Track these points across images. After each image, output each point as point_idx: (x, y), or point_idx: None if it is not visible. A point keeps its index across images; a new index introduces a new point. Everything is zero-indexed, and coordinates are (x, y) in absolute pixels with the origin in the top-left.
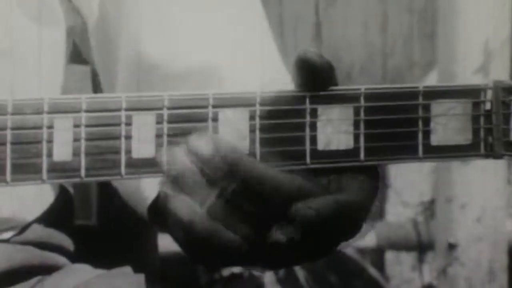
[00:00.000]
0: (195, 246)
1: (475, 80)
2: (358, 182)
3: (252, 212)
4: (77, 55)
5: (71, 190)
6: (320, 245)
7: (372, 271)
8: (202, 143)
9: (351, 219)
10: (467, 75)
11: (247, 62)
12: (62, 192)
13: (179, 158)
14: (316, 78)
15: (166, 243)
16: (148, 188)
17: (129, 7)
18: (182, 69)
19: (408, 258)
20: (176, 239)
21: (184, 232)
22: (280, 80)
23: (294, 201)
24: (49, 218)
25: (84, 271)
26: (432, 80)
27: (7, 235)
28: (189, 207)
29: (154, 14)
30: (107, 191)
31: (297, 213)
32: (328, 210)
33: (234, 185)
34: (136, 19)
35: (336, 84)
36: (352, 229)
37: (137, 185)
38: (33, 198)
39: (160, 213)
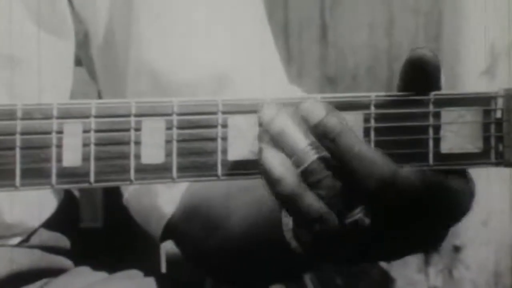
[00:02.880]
0: (279, 202)
1: (481, 82)
2: (463, 181)
3: (342, 188)
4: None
5: (76, 193)
6: (405, 235)
7: (377, 273)
8: (316, 108)
9: (450, 208)
10: (473, 77)
11: (254, 70)
12: (67, 196)
13: (283, 117)
14: (428, 78)
15: (171, 247)
16: (166, 205)
17: (138, 29)
18: (192, 81)
19: (413, 260)
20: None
21: (271, 185)
22: (281, 88)
23: (387, 188)
24: (55, 221)
25: (90, 274)
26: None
27: (14, 241)
28: (283, 163)
29: (161, 32)
30: (113, 194)
31: (401, 178)
32: (432, 185)
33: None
34: (145, 41)
35: (439, 88)
36: (447, 221)
37: (153, 201)
38: (39, 204)
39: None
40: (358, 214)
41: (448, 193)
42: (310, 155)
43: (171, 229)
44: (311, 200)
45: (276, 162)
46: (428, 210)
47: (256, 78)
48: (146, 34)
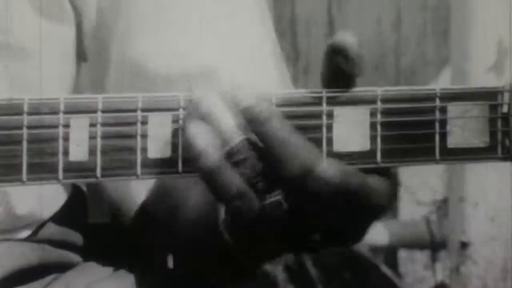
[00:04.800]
0: (201, 176)
1: (489, 78)
2: (384, 182)
3: (264, 171)
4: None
5: (84, 188)
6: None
7: (385, 268)
8: (247, 95)
9: (365, 205)
10: (480, 73)
11: (243, 63)
12: (75, 190)
13: (212, 97)
14: (349, 67)
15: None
16: (138, 194)
17: (127, 11)
18: (177, 73)
19: (421, 257)
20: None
21: (193, 159)
22: (270, 82)
23: (306, 174)
24: (63, 216)
25: (99, 270)
26: (445, 78)
27: (23, 234)
28: (206, 137)
29: (150, 18)
30: None
31: (322, 168)
32: (350, 179)
33: (254, 136)
34: (132, 21)
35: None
36: (361, 217)
37: (126, 186)
38: (49, 196)
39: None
40: (276, 196)
41: (364, 190)
42: (236, 136)
43: (142, 215)
44: (232, 177)
45: (200, 136)
46: (343, 203)
47: (245, 75)
48: (132, 26)
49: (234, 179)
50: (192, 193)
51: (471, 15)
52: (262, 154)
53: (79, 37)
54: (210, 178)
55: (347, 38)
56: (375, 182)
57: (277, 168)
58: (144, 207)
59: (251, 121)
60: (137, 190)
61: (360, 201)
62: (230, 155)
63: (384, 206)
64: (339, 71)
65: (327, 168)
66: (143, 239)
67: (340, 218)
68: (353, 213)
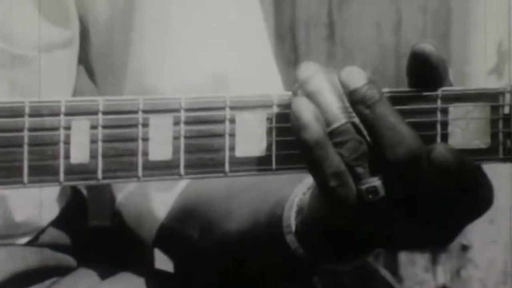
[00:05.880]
0: (301, 149)
1: (489, 81)
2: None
3: (365, 154)
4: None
5: (84, 191)
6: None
7: (384, 272)
8: (357, 74)
9: (482, 195)
10: (481, 75)
11: (251, 74)
12: (75, 194)
13: (319, 77)
14: (431, 73)
15: None
16: (160, 209)
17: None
18: (187, 83)
19: (421, 259)
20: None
21: (297, 131)
22: (276, 85)
23: (413, 160)
24: (63, 220)
25: (99, 273)
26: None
27: (22, 240)
28: (313, 111)
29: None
30: None
31: (432, 154)
32: (470, 167)
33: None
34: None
35: (450, 84)
36: (472, 213)
37: (147, 205)
38: (48, 203)
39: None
40: (375, 183)
41: (479, 179)
42: (341, 117)
43: (164, 233)
44: (332, 155)
45: (306, 109)
46: (453, 191)
47: (253, 82)
48: (142, 39)
49: (333, 157)
50: (234, 205)
51: (472, 18)
52: (364, 138)
53: (84, 46)
54: (310, 152)
55: (425, 46)
56: (482, 171)
57: (382, 153)
58: (167, 227)
59: (359, 103)
60: (159, 205)
61: (473, 190)
62: (332, 136)
63: (490, 202)
64: (425, 79)
65: (440, 154)
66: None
67: (443, 211)
68: (460, 203)
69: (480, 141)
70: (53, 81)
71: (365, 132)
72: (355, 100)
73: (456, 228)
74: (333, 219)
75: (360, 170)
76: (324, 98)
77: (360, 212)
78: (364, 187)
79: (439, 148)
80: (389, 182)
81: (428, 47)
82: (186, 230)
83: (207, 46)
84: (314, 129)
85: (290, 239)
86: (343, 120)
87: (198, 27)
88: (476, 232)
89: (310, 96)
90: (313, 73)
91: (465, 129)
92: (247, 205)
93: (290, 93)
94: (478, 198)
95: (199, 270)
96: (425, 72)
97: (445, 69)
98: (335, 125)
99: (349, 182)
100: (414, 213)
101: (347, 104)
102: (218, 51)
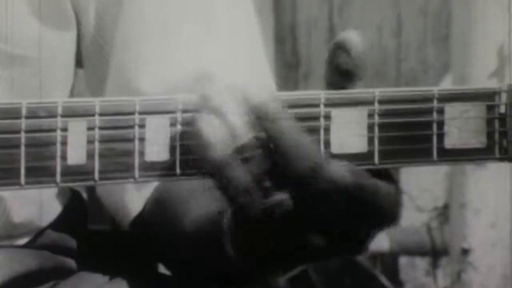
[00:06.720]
0: (207, 168)
1: (490, 84)
2: (394, 189)
3: (271, 169)
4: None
5: (84, 194)
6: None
7: (383, 279)
8: (260, 91)
9: (375, 211)
10: (482, 79)
11: (241, 67)
12: (74, 197)
13: (223, 94)
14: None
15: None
16: (134, 204)
17: (126, 17)
18: (175, 80)
19: (422, 263)
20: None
21: (202, 150)
22: (269, 85)
23: (315, 173)
24: (63, 222)
25: (99, 277)
26: (446, 84)
27: (21, 241)
28: (218, 131)
29: (148, 26)
30: None
31: (332, 166)
32: (362, 182)
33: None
34: (130, 28)
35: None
36: (371, 223)
37: (121, 196)
38: (46, 204)
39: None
40: (282, 196)
41: (374, 191)
42: (246, 133)
43: (138, 225)
44: (239, 172)
45: (210, 129)
46: (353, 206)
47: (243, 79)
48: (131, 33)
49: (241, 175)
50: (192, 206)
51: (472, 21)
52: (270, 153)
53: (78, 42)
54: (217, 171)
55: (351, 36)
56: (384, 185)
57: (285, 167)
58: (141, 217)
59: (261, 119)
60: (133, 199)
61: (369, 203)
62: (238, 152)
63: (392, 211)
64: (341, 70)
65: (337, 168)
66: (141, 248)
67: (346, 222)
68: (360, 216)
69: (476, 141)
70: (53, 81)
71: (271, 147)
72: (257, 116)
73: (364, 237)
74: (248, 234)
75: (267, 184)
76: (227, 114)
77: (272, 226)
78: (271, 201)
79: (336, 165)
80: (297, 196)
81: (354, 38)
82: (153, 224)
83: (192, 45)
84: (219, 148)
85: (224, 238)
86: (247, 136)
87: (188, 23)
88: (477, 236)
89: (214, 113)
90: (217, 89)
91: (461, 128)
92: (202, 206)
93: (194, 97)
94: (377, 213)
95: (165, 266)
96: (342, 62)
97: (361, 66)
98: (239, 142)
99: (257, 199)
100: (321, 225)
101: (253, 120)
102: (203, 50)
